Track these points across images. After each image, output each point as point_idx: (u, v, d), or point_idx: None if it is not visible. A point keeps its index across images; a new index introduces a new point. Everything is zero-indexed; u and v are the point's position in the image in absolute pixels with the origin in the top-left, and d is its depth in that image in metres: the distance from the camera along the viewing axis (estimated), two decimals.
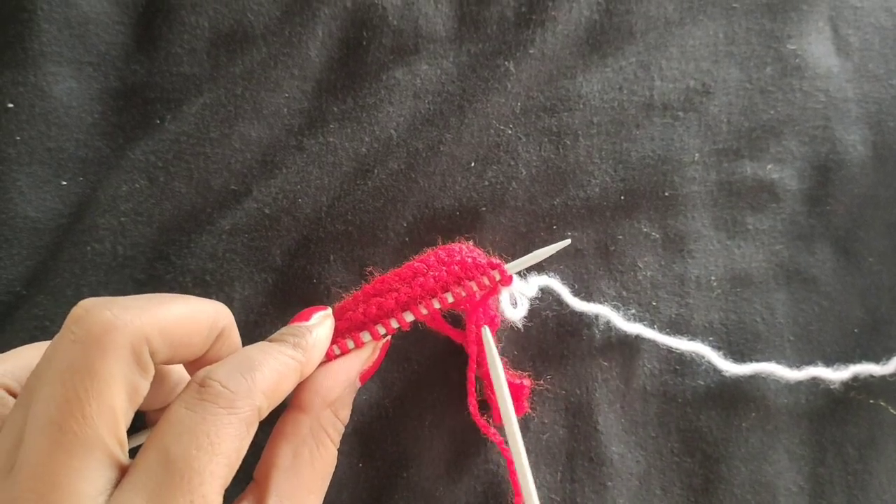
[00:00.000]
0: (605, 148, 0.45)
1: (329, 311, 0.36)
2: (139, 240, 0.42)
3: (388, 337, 0.37)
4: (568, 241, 0.39)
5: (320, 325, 0.35)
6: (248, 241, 0.42)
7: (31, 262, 0.41)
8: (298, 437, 0.33)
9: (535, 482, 0.42)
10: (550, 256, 0.44)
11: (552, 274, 0.42)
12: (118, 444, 0.27)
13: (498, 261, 0.38)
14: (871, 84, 0.47)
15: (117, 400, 0.27)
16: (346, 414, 0.36)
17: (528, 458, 0.42)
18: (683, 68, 0.46)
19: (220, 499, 0.27)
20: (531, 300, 0.41)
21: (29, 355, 0.32)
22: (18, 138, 0.42)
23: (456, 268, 0.37)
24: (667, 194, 0.45)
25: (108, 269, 0.41)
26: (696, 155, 0.45)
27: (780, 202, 0.46)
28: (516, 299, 0.39)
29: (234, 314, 0.41)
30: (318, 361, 0.34)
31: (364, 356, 0.36)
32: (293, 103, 0.44)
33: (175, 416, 0.27)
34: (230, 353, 0.32)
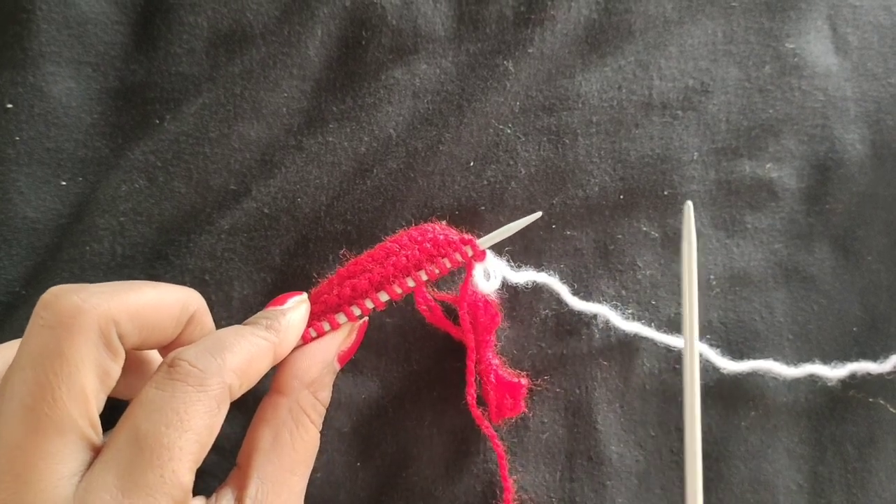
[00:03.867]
0: (604, 147, 0.45)
1: (304, 295, 0.37)
2: (138, 240, 0.42)
3: (365, 318, 0.38)
4: (539, 214, 0.39)
5: (295, 308, 0.35)
6: (247, 240, 0.42)
7: (30, 262, 0.41)
8: (278, 419, 0.33)
9: (534, 481, 0.42)
10: (550, 254, 0.44)
11: (551, 273, 0.42)
12: (90, 426, 0.27)
13: (470, 236, 0.38)
14: (869, 83, 0.47)
15: (88, 382, 0.27)
16: (325, 395, 0.36)
17: (527, 457, 0.42)
18: (682, 67, 0.46)
19: (192, 475, 0.27)
20: (520, 286, 0.41)
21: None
22: (18, 138, 0.42)
23: (428, 245, 0.37)
24: (666, 193, 0.45)
25: (107, 269, 0.41)
26: (695, 154, 0.45)
27: (778, 201, 0.46)
28: (489, 273, 0.40)
29: (232, 314, 0.41)
30: (292, 344, 0.35)
31: (340, 337, 0.37)
32: (292, 103, 0.44)
33: (145, 396, 0.28)
34: (197, 337, 0.33)
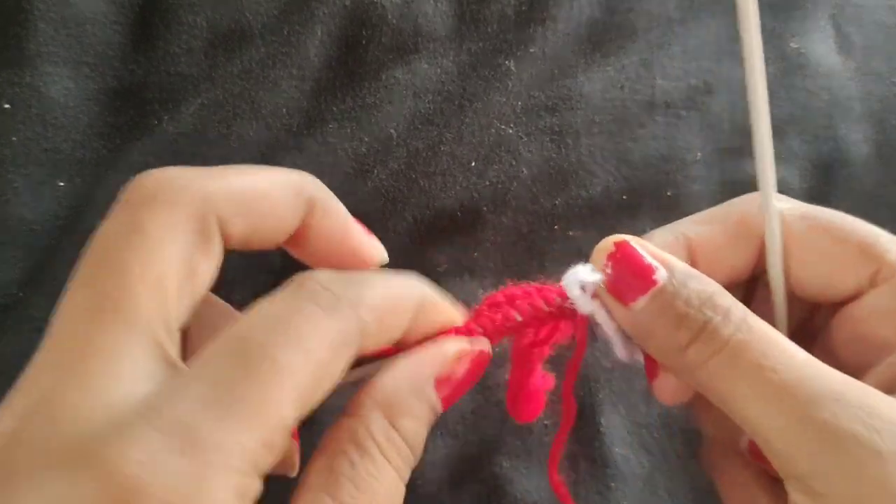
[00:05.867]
0: (607, 147, 0.44)
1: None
2: None
3: (487, 346, 0.29)
4: None
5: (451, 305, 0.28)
6: None
7: (27, 263, 0.41)
8: (337, 446, 0.24)
9: (538, 485, 0.42)
10: (552, 256, 0.43)
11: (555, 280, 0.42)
12: (165, 331, 0.21)
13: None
14: (874, 82, 0.47)
15: (169, 269, 0.22)
16: (408, 426, 0.26)
17: (530, 460, 0.42)
18: (685, 67, 0.46)
19: (294, 417, 0.21)
20: None
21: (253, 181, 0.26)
22: (15, 139, 0.41)
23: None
24: (669, 194, 0.44)
25: None
26: (699, 154, 0.45)
27: None
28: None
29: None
30: (438, 321, 0.27)
31: (443, 355, 0.27)
32: (292, 103, 0.44)
33: (259, 307, 0.22)
34: (333, 230, 0.27)
